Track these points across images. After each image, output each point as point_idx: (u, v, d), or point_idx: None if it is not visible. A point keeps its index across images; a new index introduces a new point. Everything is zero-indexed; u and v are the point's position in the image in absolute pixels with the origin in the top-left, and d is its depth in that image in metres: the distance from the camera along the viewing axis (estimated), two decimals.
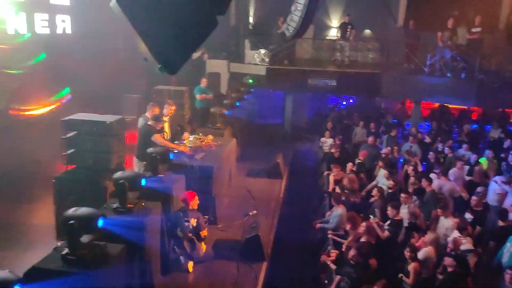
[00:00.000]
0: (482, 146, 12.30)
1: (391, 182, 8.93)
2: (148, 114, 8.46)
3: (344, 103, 19.60)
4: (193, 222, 6.57)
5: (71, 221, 4.17)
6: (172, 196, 6.63)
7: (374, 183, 9.61)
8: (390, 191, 8.72)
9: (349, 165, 10.17)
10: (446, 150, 10.91)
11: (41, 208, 8.08)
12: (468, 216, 7.64)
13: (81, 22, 11.29)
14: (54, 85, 11.03)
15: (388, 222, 7.48)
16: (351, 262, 6.28)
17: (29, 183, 8.96)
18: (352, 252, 6.32)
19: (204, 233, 6.74)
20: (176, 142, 8.64)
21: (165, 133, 8.49)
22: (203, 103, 11.80)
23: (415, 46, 13.88)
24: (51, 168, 8.41)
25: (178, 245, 6.54)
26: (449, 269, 6.02)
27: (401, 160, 11.21)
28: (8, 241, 7.04)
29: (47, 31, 10.29)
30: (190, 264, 6.52)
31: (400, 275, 6.24)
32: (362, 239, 6.77)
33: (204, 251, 6.76)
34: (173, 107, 9.21)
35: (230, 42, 15.77)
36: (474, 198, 7.95)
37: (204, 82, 12.07)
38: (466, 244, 6.63)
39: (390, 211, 7.46)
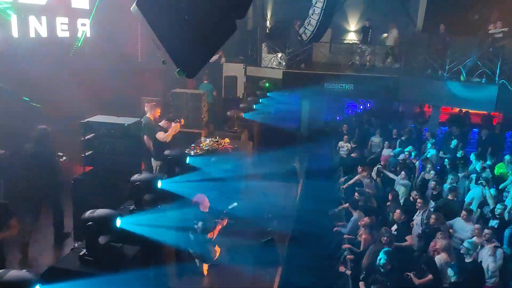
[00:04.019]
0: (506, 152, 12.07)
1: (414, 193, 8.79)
2: (149, 115, 8.68)
3: (361, 107, 19.47)
4: (199, 225, 6.57)
5: (89, 223, 4.21)
6: (187, 198, 6.65)
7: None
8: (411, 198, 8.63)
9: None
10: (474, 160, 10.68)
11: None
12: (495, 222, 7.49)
13: (100, 26, 11.43)
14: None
15: (395, 226, 7.43)
16: (382, 270, 6.11)
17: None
18: (383, 260, 6.17)
19: (211, 235, 6.72)
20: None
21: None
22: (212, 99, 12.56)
23: (436, 50, 13.70)
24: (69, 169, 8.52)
25: (191, 248, 6.55)
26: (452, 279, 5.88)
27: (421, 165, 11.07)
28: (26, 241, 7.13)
29: (67, 34, 10.43)
30: (205, 267, 6.52)
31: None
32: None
33: (218, 254, 6.75)
34: (158, 110, 9.37)
35: (247, 46, 15.78)
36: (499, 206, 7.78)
37: (205, 79, 13.31)
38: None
39: (397, 214, 7.41)
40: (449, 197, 8.26)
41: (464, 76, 12.74)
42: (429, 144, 11.90)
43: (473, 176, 9.40)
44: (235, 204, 7.37)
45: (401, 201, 8.94)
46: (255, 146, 10.88)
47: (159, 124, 8.88)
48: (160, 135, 8.59)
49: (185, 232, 6.43)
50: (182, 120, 9.35)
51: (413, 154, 11.12)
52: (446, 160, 10.75)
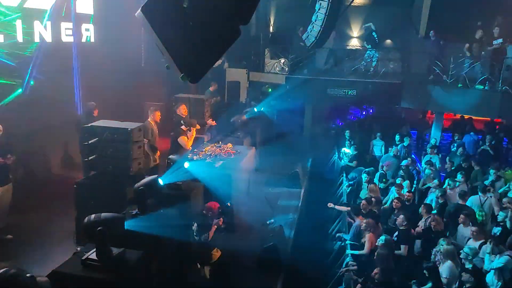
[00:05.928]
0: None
1: (408, 194, 8.79)
2: (150, 120, 8.68)
3: (364, 112, 19.44)
4: (194, 226, 6.57)
5: (100, 228, 4.15)
6: (190, 203, 6.67)
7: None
8: (407, 203, 8.60)
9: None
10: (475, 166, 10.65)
11: (61, 212, 8.18)
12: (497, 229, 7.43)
13: (104, 31, 11.49)
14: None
15: (396, 233, 7.40)
16: (376, 281, 6.11)
17: (51, 188, 9.10)
18: (376, 271, 6.16)
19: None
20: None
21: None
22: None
23: (438, 56, 13.69)
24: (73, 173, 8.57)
25: (194, 250, 6.55)
26: (467, 285, 5.83)
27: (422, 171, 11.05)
28: (29, 246, 7.15)
29: (71, 39, 10.50)
30: (207, 271, 6.51)
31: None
32: (380, 251, 6.66)
33: (218, 257, 6.73)
34: (158, 113, 9.21)
35: (250, 51, 15.80)
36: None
37: (213, 86, 13.04)
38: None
39: (400, 219, 7.38)
40: (461, 202, 8.21)
41: (467, 83, 12.72)
42: (429, 149, 11.87)
43: (486, 182, 9.34)
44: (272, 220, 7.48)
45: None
46: (257, 151, 10.87)
47: (181, 127, 8.92)
48: (182, 141, 8.68)
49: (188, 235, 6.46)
50: (198, 125, 9.39)
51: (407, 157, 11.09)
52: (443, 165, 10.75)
